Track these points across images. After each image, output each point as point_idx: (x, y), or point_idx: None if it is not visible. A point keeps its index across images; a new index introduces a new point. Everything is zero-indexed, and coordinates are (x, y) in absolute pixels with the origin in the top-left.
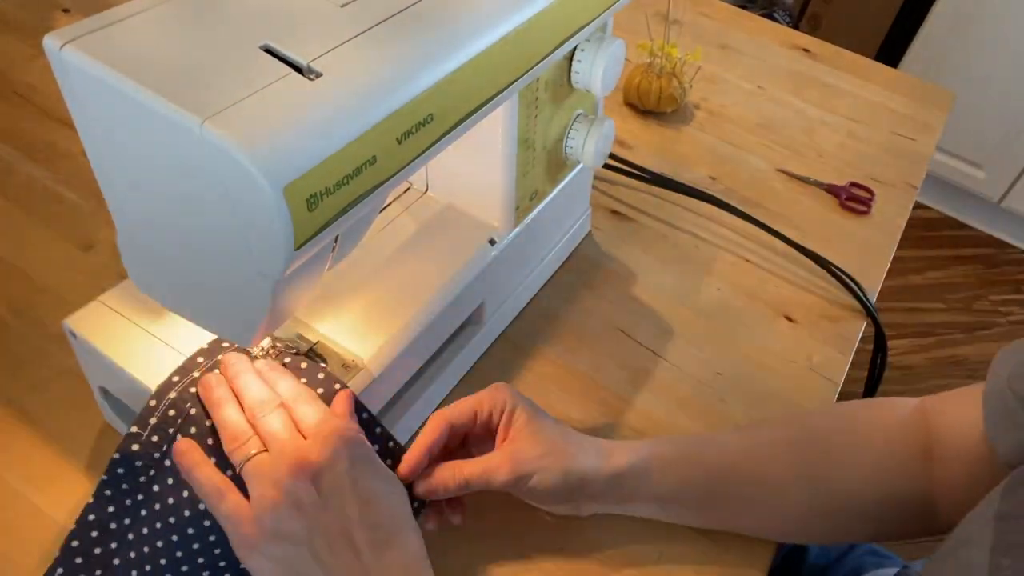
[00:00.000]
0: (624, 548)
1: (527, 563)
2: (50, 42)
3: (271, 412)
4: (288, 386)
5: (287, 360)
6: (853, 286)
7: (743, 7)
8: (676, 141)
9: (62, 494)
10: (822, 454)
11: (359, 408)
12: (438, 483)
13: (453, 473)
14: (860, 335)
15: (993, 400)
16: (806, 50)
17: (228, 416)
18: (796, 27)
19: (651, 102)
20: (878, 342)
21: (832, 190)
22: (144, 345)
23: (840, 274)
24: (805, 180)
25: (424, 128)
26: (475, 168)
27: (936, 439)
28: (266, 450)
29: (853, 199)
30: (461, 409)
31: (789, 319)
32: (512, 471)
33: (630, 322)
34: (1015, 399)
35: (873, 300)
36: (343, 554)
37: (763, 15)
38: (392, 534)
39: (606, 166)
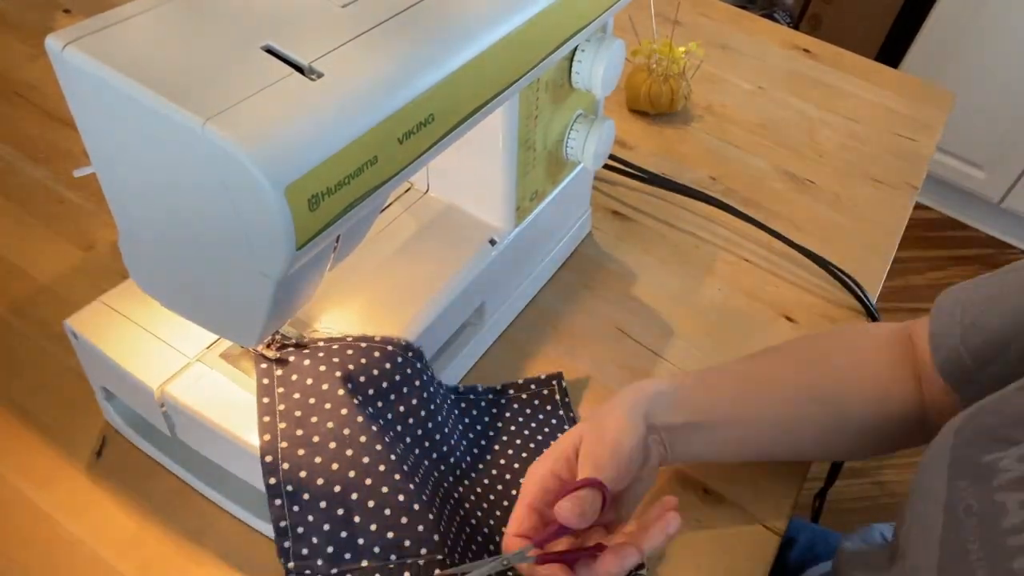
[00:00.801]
0: None
1: None
2: (52, 42)
3: None
4: None
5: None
6: (853, 287)
7: (743, 8)
8: (677, 141)
9: (63, 494)
10: (825, 375)
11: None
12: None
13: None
14: None
15: (944, 351)
16: (806, 50)
17: None
18: (796, 27)
19: (652, 103)
20: None
21: None
22: (146, 345)
23: (840, 275)
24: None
25: (425, 128)
26: (476, 168)
27: (919, 361)
28: None
29: None
30: (539, 488)
31: (789, 319)
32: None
33: (630, 322)
34: (970, 358)
35: (874, 301)
36: None
37: (763, 15)
38: None
39: (607, 167)
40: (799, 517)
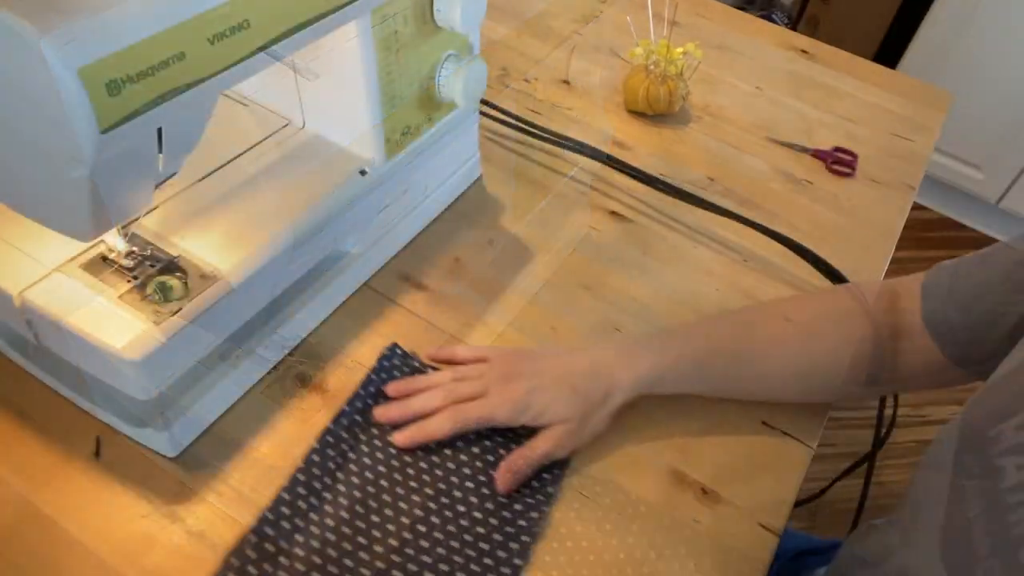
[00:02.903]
0: (624, 546)
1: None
2: None
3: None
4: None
5: None
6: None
7: (741, 9)
8: (675, 142)
9: (62, 495)
10: (756, 352)
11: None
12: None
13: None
14: None
15: (932, 300)
16: (804, 51)
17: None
18: (794, 28)
19: (650, 104)
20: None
21: (818, 155)
22: (5, 255)
23: (839, 275)
24: (794, 147)
25: (239, 34)
26: (343, 101)
27: (907, 319)
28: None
29: (838, 162)
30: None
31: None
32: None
33: (629, 323)
34: (955, 310)
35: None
36: None
37: (761, 16)
38: None
39: (607, 166)
40: (794, 529)
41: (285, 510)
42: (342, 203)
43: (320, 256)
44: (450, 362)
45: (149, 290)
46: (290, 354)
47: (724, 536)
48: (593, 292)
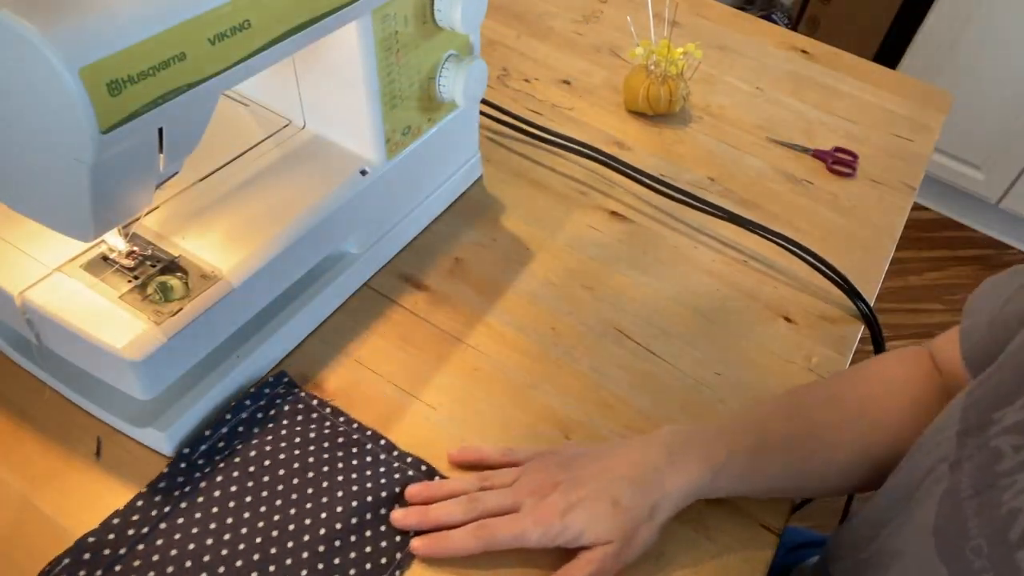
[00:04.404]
0: None
1: (525, 563)
2: None
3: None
4: None
5: None
6: (851, 287)
7: (741, 9)
8: (675, 142)
9: (62, 495)
10: (814, 440)
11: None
12: None
13: None
14: (859, 336)
15: (973, 339)
16: (804, 51)
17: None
18: (794, 28)
19: (650, 104)
20: (876, 343)
21: (818, 155)
22: (5, 256)
23: (838, 276)
24: (794, 147)
25: (241, 34)
26: (343, 102)
27: (948, 377)
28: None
29: (838, 163)
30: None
31: (788, 320)
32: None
33: (629, 323)
34: (995, 343)
35: (872, 301)
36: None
37: (761, 16)
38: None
39: (607, 167)
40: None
41: (135, 517)
42: (342, 203)
43: (320, 256)
44: (477, 465)
45: (150, 290)
46: (290, 354)
47: (724, 536)
48: (593, 292)
